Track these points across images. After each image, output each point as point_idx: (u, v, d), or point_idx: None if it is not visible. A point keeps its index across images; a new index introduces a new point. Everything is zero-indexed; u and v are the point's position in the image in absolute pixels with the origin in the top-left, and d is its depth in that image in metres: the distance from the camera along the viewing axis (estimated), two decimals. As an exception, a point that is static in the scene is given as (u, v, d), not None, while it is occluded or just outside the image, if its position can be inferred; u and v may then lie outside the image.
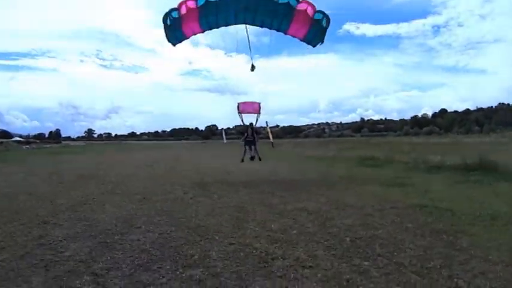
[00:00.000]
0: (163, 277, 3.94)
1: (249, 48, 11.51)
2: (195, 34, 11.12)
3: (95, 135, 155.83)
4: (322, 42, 11.07)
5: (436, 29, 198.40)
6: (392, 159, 19.73)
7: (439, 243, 5.20)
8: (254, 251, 4.83)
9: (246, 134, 13.01)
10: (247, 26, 11.02)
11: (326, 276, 4.00)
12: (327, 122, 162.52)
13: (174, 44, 11.21)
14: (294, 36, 11.12)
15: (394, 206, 7.68)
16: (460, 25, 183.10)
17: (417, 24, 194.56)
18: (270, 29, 10.99)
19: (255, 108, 12.92)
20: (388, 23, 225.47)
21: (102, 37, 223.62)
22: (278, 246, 5.05)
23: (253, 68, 11.64)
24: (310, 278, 3.94)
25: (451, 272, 4.11)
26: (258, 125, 13.41)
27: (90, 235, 5.64)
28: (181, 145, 71.18)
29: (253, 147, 13.10)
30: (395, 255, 4.69)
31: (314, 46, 11.35)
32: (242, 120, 12.99)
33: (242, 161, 13.29)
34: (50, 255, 4.70)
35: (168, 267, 4.24)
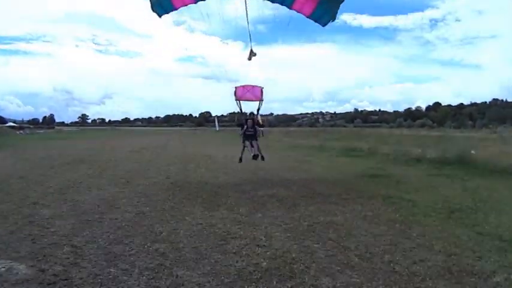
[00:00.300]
0: (132, 249, 4.59)
1: (246, 34, 9.79)
2: (185, 5, 9.33)
3: (89, 121, 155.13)
4: (334, 19, 9.24)
5: (434, 23, 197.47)
6: (375, 151, 20.25)
7: (391, 231, 5.66)
8: (217, 231, 5.47)
9: (245, 126, 10.48)
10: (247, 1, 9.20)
11: (275, 254, 4.58)
12: (321, 112, 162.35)
13: (159, 15, 9.26)
14: (299, 12, 9.29)
15: (361, 196, 8.20)
16: (457, 20, 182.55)
17: (415, 17, 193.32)
18: (273, 2, 9.32)
19: (256, 94, 10.61)
20: (386, 15, 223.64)
21: (98, 22, 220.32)
22: (241, 227, 5.69)
23: (251, 55, 9.81)
24: (261, 255, 4.54)
25: (392, 258, 4.52)
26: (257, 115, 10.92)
27: (73, 214, 6.28)
28: (173, 132, 71.50)
29: (254, 142, 10.47)
30: (345, 239, 5.19)
31: (324, 25, 9.46)
32: (240, 109, 10.75)
33: (240, 160, 11.04)
34: (37, 230, 5.33)
35: (138, 241, 4.89)
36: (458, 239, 5.33)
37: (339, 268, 4.23)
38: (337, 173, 12.09)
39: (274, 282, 3.76)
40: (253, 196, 8.08)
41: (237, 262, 4.30)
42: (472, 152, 18.94)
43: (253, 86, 10.70)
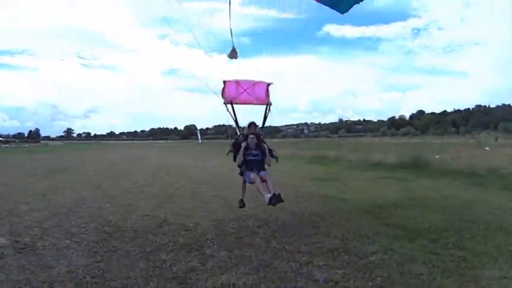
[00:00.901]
0: (87, 230, 6.17)
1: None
2: None
3: (74, 135, 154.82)
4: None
5: (416, 32, 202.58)
6: (341, 158, 21.70)
7: (303, 222, 6.81)
8: (158, 220, 7.00)
9: (244, 145, 6.84)
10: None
11: (195, 235, 5.99)
12: (306, 123, 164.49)
13: None
14: None
15: (302, 196, 9.53)
16: (440, 28, 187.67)
17: (397, 26, 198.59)
18: None
19: (258, 95, 7.37)
20: (368, 25, 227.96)
21: (83, 36, 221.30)
22: (175, 217, 7.19)
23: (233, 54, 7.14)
24: (183, 236, 5.97)
25: (288, 240, 5.58)
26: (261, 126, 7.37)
27: (47, 209, 7.86)
28: (156, 145, 73.45)
29: (264, 174, 6.72)
30: (259, 227, 6.48)
31: (343, 11, 7.27)
32: (235, 119, 7.23)
33: (242, 203, 7.07)
34: (16, 219, 6.91)
35: (92, 225, 6.47)
36: (362, 229, 6.19)
37: (239, 245, 5.46)
38: (293, 178, 13.37)
39: (175, 252, 5.14)
40: (203, 196, 9.63)
41: (162, 239, 5.76)
42: (436, 156, 20.59)
43: (254, 83, 7.30)
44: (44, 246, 5.29)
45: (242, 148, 6.81)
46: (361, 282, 4.10)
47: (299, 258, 4.89)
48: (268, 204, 6.21)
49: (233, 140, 7.32)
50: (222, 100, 7.14)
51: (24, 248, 5.15)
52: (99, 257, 4.90)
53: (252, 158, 6.82)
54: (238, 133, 7.18)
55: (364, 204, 8.35)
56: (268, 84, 7.31)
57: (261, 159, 6.86)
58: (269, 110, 7.21)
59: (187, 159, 25.42)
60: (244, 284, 4.11)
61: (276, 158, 7.17)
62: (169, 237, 5.93)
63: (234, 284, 4.10)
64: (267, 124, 7.45)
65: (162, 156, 31.29)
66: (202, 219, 7.12)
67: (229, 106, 7.15)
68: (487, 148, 31.35)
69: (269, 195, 6.18)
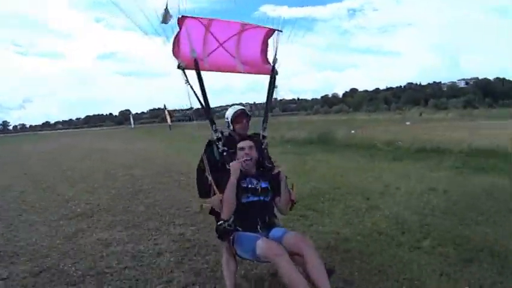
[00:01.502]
0: (8, 209, 8.17)
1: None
2: None
3: (10, 128, 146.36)
4: None
5: (352, 13, 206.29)
6: (257, 136, 24.35)
7: (185, 192, 8.56)
8: (67, 198, 9.03)
9: (237, 168, 3.07)
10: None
11: (92, 207, 7.98)
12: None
13: None
14: None
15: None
16: (375, 9, 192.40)
17: (333, 7, 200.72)
18: None
19: (248, 54, 3.76)
20: (305, 6, 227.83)
21: (17, 22, 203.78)
22: (82, 194, 9.17)
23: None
24: (82, 208, 7.99)
25: (164, 207, 7.30)
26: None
27: (-23, 194, 9.78)
28: (90, 133, 74.29)
29: (287, 237, 2.86)
30: (147, 198, 8.57)
31: None
32: (204, 100, 3.31)
33: None
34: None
35: (13, 206, 8.43)
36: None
37: (124, 213, 7.02)
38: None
39: (72, 220, 6.99)
40: (113, 176, 11.88)
41: (64, 211, 7.75)
42: (352, 131, 23.36)
43: (242, 28, 3.53)
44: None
45: (233, 178, 3.05)
46: (205, 236, 5.39)
47: (165, 219, 6.41)
48: None
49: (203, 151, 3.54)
50: (177, 62, 3.34)
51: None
52: (13, 227, 6.77)
53: (251, 198, 3.19)
54: (215, 135, 3.48)
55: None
56: (272, 31, 3.66)
57: (271, 200, 3.33)
58: (274, 84, 3.76)
59: (117, 143, 27.51)
60: (114, 238, 5.49)
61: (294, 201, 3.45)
62: (70, 209, 7.83)
63: (106, 239, 5.45)
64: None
65: (93, 142, 33.08)
66: (104, 195, 9.11)
67: (197, 75, 3.38)
68: (408, 123, 35.32)
69: None
